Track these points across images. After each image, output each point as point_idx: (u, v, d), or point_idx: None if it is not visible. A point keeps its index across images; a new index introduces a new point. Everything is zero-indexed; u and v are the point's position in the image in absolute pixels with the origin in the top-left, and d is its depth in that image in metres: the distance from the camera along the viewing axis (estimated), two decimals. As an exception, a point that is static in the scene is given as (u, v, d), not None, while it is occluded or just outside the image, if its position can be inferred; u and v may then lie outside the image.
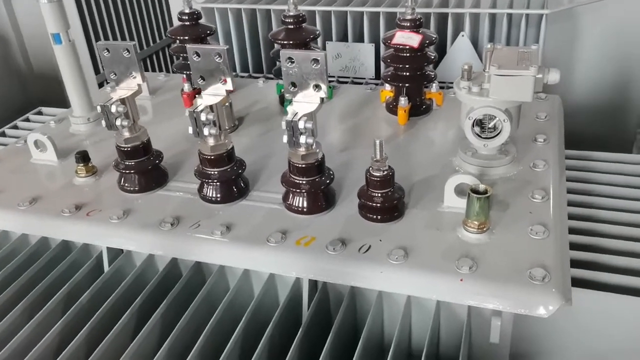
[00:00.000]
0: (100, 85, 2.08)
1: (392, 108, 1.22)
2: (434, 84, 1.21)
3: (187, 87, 1.32)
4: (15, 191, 1.04)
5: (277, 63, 1.28)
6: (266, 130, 1.21)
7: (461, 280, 0.77)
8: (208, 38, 1.30)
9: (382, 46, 1.57)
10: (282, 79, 1.27)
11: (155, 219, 0.94)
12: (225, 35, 1.72)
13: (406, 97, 1.16)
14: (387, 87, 1.24)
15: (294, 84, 0.87)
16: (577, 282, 0.87)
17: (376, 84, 1.40)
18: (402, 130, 1.17)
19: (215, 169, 0.94)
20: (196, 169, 0.97)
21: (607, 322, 0.87)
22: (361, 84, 1.56)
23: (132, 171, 0.99)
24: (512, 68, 0.88)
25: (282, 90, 1.30)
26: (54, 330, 0.85)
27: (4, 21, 2.08)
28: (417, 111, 1.20)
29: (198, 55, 0.90)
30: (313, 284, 0.90)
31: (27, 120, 1.53)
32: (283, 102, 1.28)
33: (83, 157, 1.04)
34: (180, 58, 1.32)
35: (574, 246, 0.95)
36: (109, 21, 2.17)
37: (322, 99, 0.87)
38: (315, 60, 0.84)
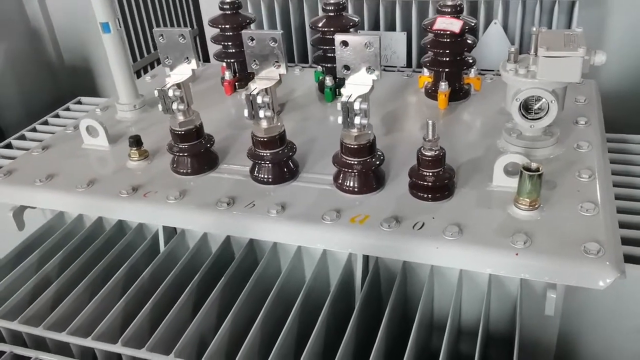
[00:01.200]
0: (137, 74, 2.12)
1: (431, 93, 1.24)
2: (472, 69, 1.23)
3: (228, 75, 1.34)
4: (69, 175, 1.08)
5: (317, 50, 1.30)
6: (308, 116, 1.24)
7: (516, 254, 0.79)
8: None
9: (414, 34, 1.59)
10: (322, 65, 1.30)
11: (210, 199, 0.97)
12: (258, 25, 1.75)
13: (446, 82, 1.18)
14: (426, 72, 1.26)
15: (347, 67, 0.90)
16: (626, 259, 0.90)
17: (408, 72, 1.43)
18: (442, 115, 1.19)
19: (268, 151, 0.97)
20: (249, 151, 1.00)
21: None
22: (393, 72, 1.58)
23: (185, 154, 1.02)
24: (560, 50, 0.90)
25: (321, 78, 1.33)
26: (118, 307, 0.88)
27: (37, 16, 2.12)
28: (456, 96, 1.23)
29: (253, 40, 0.92)
30: (364, 263, 0.93)
31: (68, 109, 1.56)
32: (322, 89, 1.31)
33: (136, 141, 1.08)
34: (221, 46, 1.34)
35: (620, 224, 0.97)
36: (137, 12, 2.20)
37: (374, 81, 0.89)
38: (369, 44, 0.86)
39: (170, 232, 1.04)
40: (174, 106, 0.97)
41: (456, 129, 1.13)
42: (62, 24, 2.16)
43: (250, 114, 0.93)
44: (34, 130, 1.49)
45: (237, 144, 1.13)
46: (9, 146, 1.43)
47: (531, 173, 0.83)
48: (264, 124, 0.95)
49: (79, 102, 1.60)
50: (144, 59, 2.25)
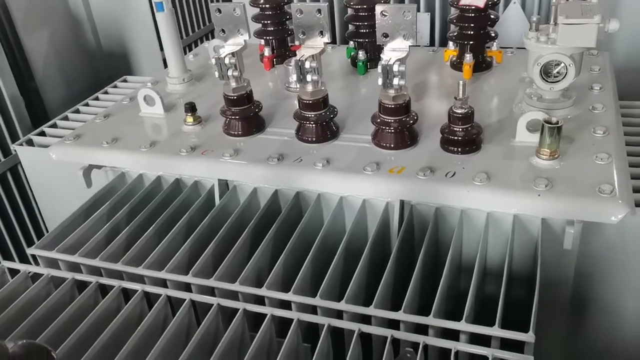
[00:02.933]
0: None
1: (456, 65, 1.35)
2: (494, 43, 1.33)
3: (267, 51, 1.46)
4: (131, 138, 1.20)
5: (350, 27, 1.41)
6: (344, 86, 1.35)
7: (539, 195, 0.90)
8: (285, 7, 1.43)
9: (437, 14, 1.69)
10: (354, 41, 1.41)
11: (261, 156, 1.08)
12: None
13: (471, 54, 1.29)
14: (451, 47, 1.36)
15: (386, 35, 1.01)
16: (636, 205, 1.00)
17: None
18: (467, 84, 1.29)
19: (313, 112, 1.08)
20: (295, 114, 1.11)
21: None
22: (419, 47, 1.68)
23: (237, 117, 1.14)
24: (577, 17, 1.00)
25: (353, 54, 1.44)
26: (183, 248, 1.00)
27: (77, 3, 2.25)
28: (480, 67, 1.33)
29: (301, 12, 1.04)
30: (399, 211, 1.04)
31: (115, 87, 1.69)
32: (355, 64, 1.42)
33: (191, 107, 1.19)
34: (261, 25, 1.46)
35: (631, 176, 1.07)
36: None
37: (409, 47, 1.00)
38: (406, 12, 0.97)
39: (223, 189, 1.16)
40: (229, 73, 1.09)
41: (481, 96, 1.23)
42: (101, 11, 2.29)
43: (298, 78, 1.04)
44: (77, 111, 1.61)
45: (280, 112, 1.24)
46: (54, 126, 1.55)
47: (551, 125, 0.94)
48: (310, 87, 1.06)
49: (125, 81, 1.73)
50: (184, 39, 2.38)
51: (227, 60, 1.07)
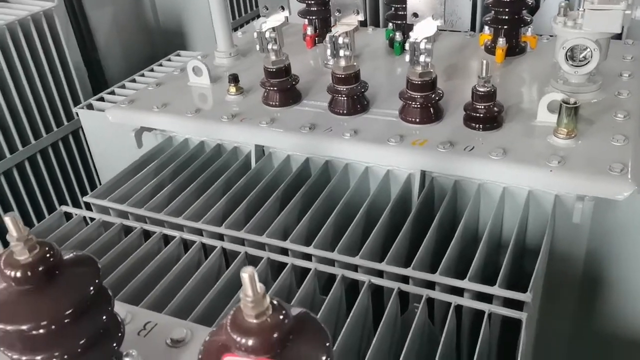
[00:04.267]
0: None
1: (490, 49, 1.39)
2: (529, 28, 1.36)
3: (309, 30, 1.54)
4: (179, 105, 1.31)
5: (390, 10, 1.47)
6: (380, 66, 1.41)
7: (551, 170, 0.95)
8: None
9: (479, 0, 1.73)
10: (393, 22, 1.47)
11: (295, 125, 1.17)
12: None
13: (504, 38, 1.33)
14: (487, 31, 1.41)
15: (416, 15, 1.07)
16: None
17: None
18: (499, 67, 1.34)
19: (345, 86, 1.16)
20: (328, 87, 1.19)
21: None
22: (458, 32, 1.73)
23: (275, 88, 1.23)
24: (604, 3, 1.03)
25: (391, 35, 1.50)
26: (218, 205, 1.10)
27: (139, -19, 2.39)
28: (513, 52, 1.37)
29: (338, -9, 1.11)
30: (420, 182, 1.11)
31: (169, 60, 1.81)
32: (392, 45, 1.48)
33: (234, 78, 1.29)
34: (305, 5, 1.54)
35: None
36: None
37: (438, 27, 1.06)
38: (436, -6, 1.03)
39: (259, 155, 1.25)
40: (269, 46, 1.18)
41: (510, 79, 1.27)
42: (160, -10, 2.43)
43: (332, 53, 1.12)
44: (134, 81, 1.74)
45: (317, 86, 1.32)
46: (112, 93, 1.68)
47: (569, 105, 0.98)
48: (343, 62, 1.14)
49: (178, 55, 1.85)
50: (236, 20, 2.50)
51: (267, 35, 1.16)
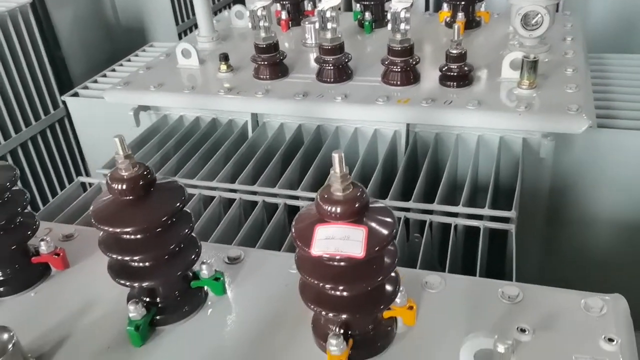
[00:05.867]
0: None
1: (450, 24, 1.56)
2: (482, 4, 1.54)
3: (284, 15, 1.66)
4: (173, 84, 1.40)
5: (357, -8, 1.61)
6: (353, 44, 1.55)
7: (520, 114, 1.12)
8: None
9: (431, -14, 1.91)
10: (361, 3, 1.61)
11: (288, 94, 1.29)
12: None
13: (462, 13, 1.50)
14: (445, 8, 1.58)
15: (393, -11, 1.22)
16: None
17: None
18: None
19: (332, 56, 1.29)
20: (316, 58, 1.32)
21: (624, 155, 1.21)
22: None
23: (266, 63, 1.34)
24: (550, -26, 1.21)
25: (359, 17, 1.65)
26: (226, 168, 1.21)
27: (98, -20, 2.43)
28: (470, 25, 1.54)
29: (322, -30, 1.24)
30: (406, 136, 1.25)
31: (144, 50, 1.88)
32: (362, 25, 1.62)
33: (225, 57, 1.40)
34: (279, -8, 1.66)
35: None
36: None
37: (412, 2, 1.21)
38: (411, -30, 1.18)
39: (255, 126, 1.36)
40: (260, 23, 1.29)
41: (472, 48, 1.43)
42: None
43: (320, 26, 1.25)
44: (95, 82, 1.78)
45: (299, 63, 1.45)
46: (75, 95, 1.72)
47: (529, 60, 1.15)
48: (329, 34, 1.27)
49: (152, 46, 1.92)
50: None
51: (259, 13, 1.28)
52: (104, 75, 1.73)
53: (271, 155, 1.24)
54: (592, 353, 0.63)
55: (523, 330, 0.64)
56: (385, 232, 0.58)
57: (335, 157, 0.55)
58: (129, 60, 1.83)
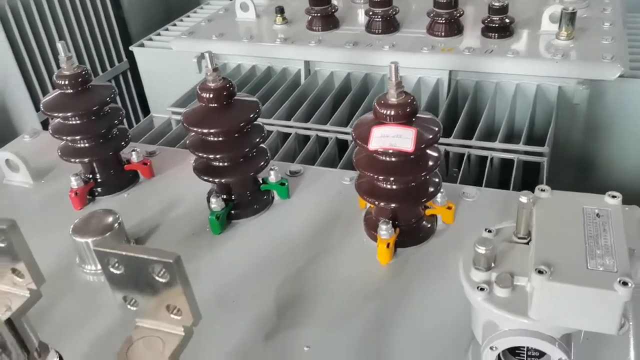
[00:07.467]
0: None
1: (494, -18, 1.63)
2: (526, -36, 1.60)
3: None
4: (233, 34, 1.52)
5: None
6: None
7: (557, 62, 1.20)
8: None
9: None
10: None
11: (339, 43, 1.40)
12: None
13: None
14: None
15: (441, -56, 1.30)
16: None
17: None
18: None
19: (381, 8, 1.39)
20: (366, 10, 1.42)
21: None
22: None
23: (319, 14, 1.45)
24: None
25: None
26: (282, 108, 1.33)
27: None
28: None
29: None
30: (448, 83, 1.35)
31: (201, 8, 2.01)
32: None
33: (281, 10, 1.51)
34: None
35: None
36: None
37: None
38: None
39: (306, 74, 1.48)
40: (315, -23, 1.40)
41: (513, 1, 1.52)
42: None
43: (371, -21, 1.34)
44: (159, 34, 1.91)
45: (348, 18, 1.55)
46: (141, 45, 1.86)
47: (568, 11, 1.23)
48: (379, -12, 1.36)
49: (208, 4, 2.04)
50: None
51: (315, -34, 1.38)
52: (167, 29, 1.87)
53: (321, 100, 1.36)
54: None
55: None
56: (431, 134, 0.69)
57: (392, 67, 0.66)
58: (189, 16, 1.96)
